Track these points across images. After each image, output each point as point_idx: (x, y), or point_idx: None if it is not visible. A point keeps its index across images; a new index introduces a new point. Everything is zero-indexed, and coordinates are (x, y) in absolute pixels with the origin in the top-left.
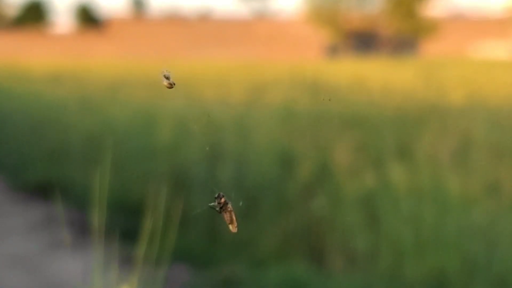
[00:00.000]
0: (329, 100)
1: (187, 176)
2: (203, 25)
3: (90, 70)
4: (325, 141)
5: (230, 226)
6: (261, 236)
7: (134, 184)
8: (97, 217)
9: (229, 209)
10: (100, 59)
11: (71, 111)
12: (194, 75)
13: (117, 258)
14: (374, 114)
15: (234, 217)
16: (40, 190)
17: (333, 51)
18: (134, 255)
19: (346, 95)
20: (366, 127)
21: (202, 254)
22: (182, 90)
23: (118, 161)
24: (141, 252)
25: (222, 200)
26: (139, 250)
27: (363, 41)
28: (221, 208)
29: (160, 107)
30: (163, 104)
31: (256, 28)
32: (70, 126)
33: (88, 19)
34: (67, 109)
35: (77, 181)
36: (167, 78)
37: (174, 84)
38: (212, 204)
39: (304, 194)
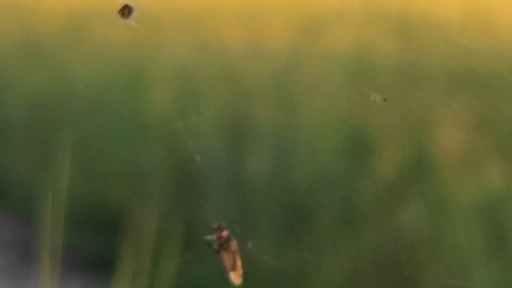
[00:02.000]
0: None
1: (196, 171)
2: None
3: None
4: (423, 114)
5: (232, 275)
6: (317, 267)
7: (111, 182)
8: (49, 235)
9: (232, 248)
10: None
11: (8, 66)
12: (208, 5)
13: None
14: (505, 69)
15: (239, 262)
16: None
17: None
18: None
19: (458, 37)
20: (492, 90)
21: None
22: (189, 29)
23: (84, 146)
24: None
25: (224, 233)
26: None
27: None
28: (220, 245)
29: (153, 59)
30: (158, 53)
31: None
32: (8, 89)
33: None
34: (2, 62)
35: (20, 176)
36: (129, 11)
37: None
38: (208, 237)
39: (387, 201)
